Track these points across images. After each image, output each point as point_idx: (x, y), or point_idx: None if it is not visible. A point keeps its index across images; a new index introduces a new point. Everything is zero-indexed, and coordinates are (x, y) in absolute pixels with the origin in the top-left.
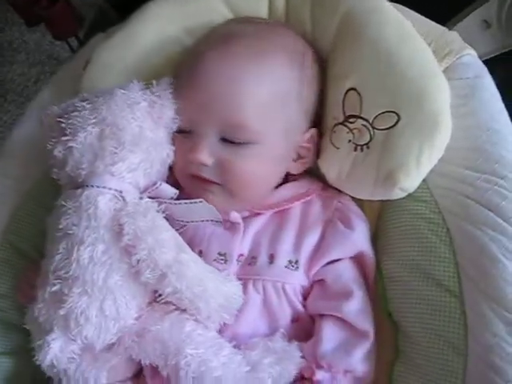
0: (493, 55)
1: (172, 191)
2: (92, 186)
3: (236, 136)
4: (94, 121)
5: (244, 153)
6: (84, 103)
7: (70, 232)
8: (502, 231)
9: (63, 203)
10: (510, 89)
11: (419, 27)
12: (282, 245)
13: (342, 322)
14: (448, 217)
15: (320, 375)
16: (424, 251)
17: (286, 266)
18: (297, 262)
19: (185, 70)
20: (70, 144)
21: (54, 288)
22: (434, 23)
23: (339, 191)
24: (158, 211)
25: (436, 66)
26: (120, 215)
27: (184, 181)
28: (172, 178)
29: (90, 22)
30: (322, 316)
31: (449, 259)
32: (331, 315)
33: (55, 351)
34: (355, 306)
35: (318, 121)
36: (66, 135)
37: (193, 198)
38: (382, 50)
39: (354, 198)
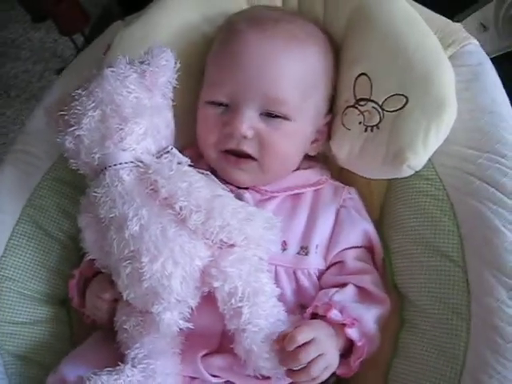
0: (489, 57)
1: (184, 158)
2: (110, 167)
3: (276, 109)
4: (92, 105)
5: (280, 127)
6: (79, 91)
7: (112, 215)
8: (503, 205)
9: (94, 193)
10: (506, 89)
11: (425, 18)
12: (293, 232)
13: (362, 290)
14: (452, 193)
15: (333, 313)
16: (429, 225)
17: (297, 253)
18: (307, 247)
19: (222, 47)
20: (77, 132)
21: (128, 270)
22: (438, 15)
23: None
24: (179, 163)
25: (441, 51)
26: (148, 176)
27: (214, 158)
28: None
29: (95, 19)
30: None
31: (453, 232)
32: (351, 283)
33: (168, 319)
34: (374, 279)
35: (331, 105)
36: (71, 126)
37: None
38: (390, 38)
39: (361, 178)
